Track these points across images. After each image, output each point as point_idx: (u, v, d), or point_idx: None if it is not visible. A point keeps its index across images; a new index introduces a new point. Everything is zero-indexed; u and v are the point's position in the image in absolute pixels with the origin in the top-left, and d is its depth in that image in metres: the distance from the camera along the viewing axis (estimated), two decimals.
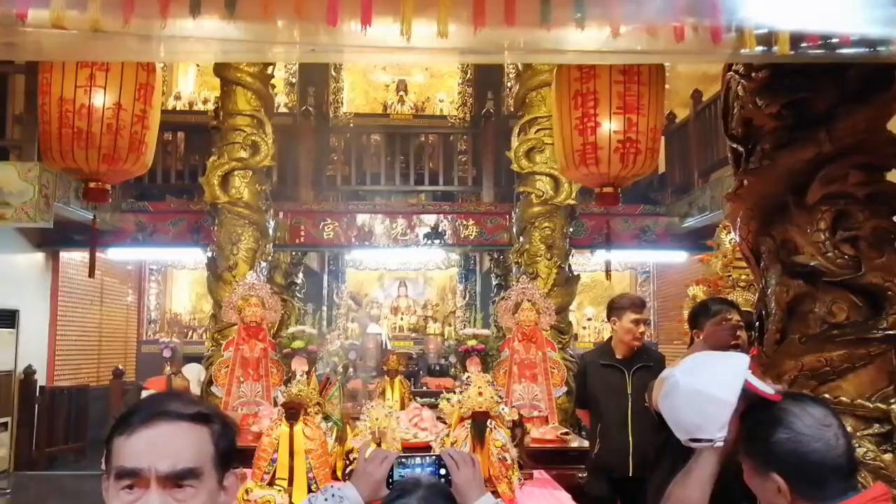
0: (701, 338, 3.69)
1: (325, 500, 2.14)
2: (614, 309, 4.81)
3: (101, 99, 3.63)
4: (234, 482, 1.44)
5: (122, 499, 1.34)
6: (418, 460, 2.24)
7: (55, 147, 3.68)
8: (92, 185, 3.74)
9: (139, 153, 3.83)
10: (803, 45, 1.94)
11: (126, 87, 3.65)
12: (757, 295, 3.04)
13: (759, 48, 1.93)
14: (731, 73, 2.94)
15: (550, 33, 1.82)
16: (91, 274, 4.15)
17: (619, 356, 4.80)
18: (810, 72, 2.61)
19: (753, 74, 2.75)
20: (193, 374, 6.35)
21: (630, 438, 4.61)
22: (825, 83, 2.60)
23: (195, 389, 6.49)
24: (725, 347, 3.78)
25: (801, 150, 2.70)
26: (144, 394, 6.54)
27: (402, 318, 13.38)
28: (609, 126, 3.82)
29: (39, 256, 10.52)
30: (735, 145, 3.00)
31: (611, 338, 4.93)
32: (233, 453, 1.45)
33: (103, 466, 1.41)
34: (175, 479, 1.32)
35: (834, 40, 1.93)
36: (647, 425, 3.88)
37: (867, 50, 1.97)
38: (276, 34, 1.87)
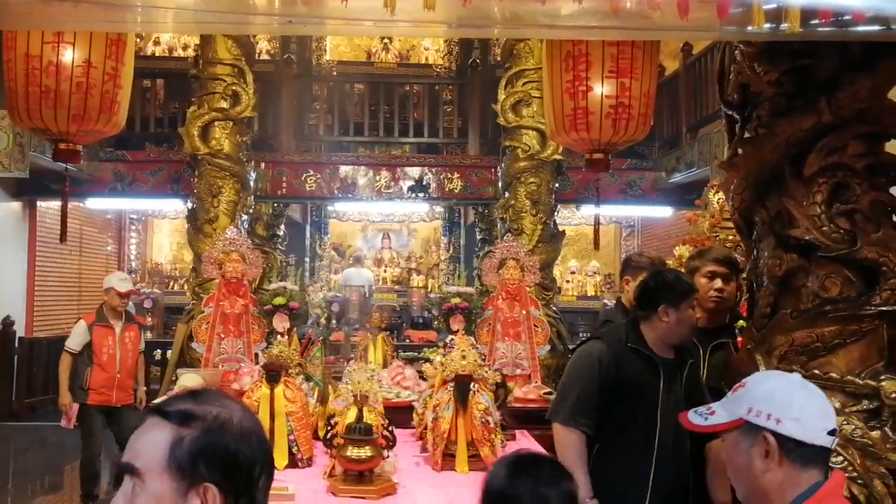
0: (671, 318, 3.18)
1: None
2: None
3: (69, 56, 3.43)
4: (213, 496, 1.28)
5: None
6: None
7: (22, 106, 3.49)
8: (62, 146, 3.57)
9: (111, 113, 3.65)
10: (814, 21, 1.81)
11: (96, 43, 3.43)
12: (748, 267, 2.97)
13: (768, 25, 1.80)
14: None
15: (545, 6, 1.68)
16: (62, 239, 4.01)
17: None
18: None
19: (753, 39, 2.64)
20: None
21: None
22: (828, 50, 2.50)
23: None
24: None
25: (801, 119, 2.62)
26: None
27: (385, 270, 13.32)
28: (601, 90, 3.69)
29: (16, 206, 10.31)
30: (730, 112, 2.90)
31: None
32: (210, 463, 1.29)
33: None
34: (122, 470, 1.30)
35: (847, 17, 1.81)
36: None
37: (882, 28, 1.85)
38: (254, 4, 1.72)
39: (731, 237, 5.86)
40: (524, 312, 6.32)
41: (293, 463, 4.21)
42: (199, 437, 1.30)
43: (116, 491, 1.32)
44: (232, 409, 1.36)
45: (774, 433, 1.67)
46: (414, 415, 4.85)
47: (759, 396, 1.72)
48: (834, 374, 2.65)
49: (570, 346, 9.08)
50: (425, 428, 4.49)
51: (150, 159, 10.33)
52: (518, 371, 6.20)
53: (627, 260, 4.47)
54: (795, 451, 1.67)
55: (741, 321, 3.72)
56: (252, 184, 8.94)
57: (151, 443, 1.30)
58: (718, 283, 3.68)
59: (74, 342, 6.50)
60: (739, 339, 3.63)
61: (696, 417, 1.82)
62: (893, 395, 2.58)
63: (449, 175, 10.23)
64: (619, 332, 3.41)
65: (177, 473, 1.29)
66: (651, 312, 3.26)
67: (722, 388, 3.57)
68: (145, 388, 6.85)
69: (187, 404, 1.34)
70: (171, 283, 12.98)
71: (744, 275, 4.64)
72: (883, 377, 2.63)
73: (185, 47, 13.01)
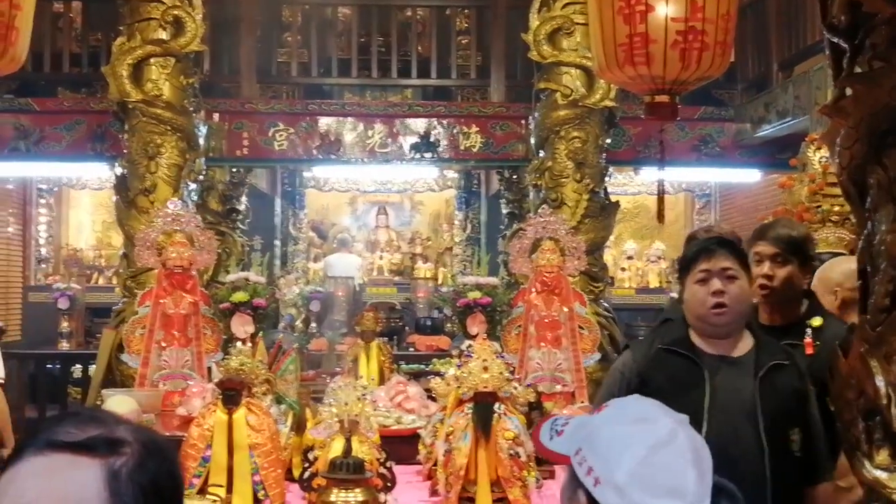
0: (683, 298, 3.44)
1: None
2: None
3: None
4: None
5: None
6: None
7: None
8: None
9: (6, 44, 3.56)
10: None
11: None
12: (860, 244, 2.99)
13: None
14: None
15: None
16: None
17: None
18: None
19: None
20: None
21: None
22: None
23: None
24: None
25: None
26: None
27: (381, 257, 13.37)
28: (665, 11, 3.66)
29: None
30: (836, 40, 2.92)
31: None
32: (160, 495, 1.33)
33: None
34: None
35: None
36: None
37: None
38: None
39: (837, 207, 5.90)
40: (565, 310, 6.37)
41: None
42: (137, 465, 1.32)
43: None
44: (130, 422, 1.40)
45: (589, 496, 1.52)
46: (420, 446, 4.91)
47: (594, 435, 1.54)
48: None
49: None
50: (435, 464, 4.55)
51: (65, 109, 10.36)
52: (558, 387, 6.26)
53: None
54: None
55: (817, 318, 3.76)
56: (202, 142, 8.97)
57: (67, 486, 1.27)
58: (766, 266, 3.76)
59: None
60: (807, 340, 3.66)
61: (545, 432, 1.67)
62: None
63: (465, 129, 10.25)
64: (659, 332, 3.53)
65: None
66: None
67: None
68: None
69: (87, 427, 1.32)
70: (95, 276, 13.03)
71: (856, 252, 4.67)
72: None
73: None
